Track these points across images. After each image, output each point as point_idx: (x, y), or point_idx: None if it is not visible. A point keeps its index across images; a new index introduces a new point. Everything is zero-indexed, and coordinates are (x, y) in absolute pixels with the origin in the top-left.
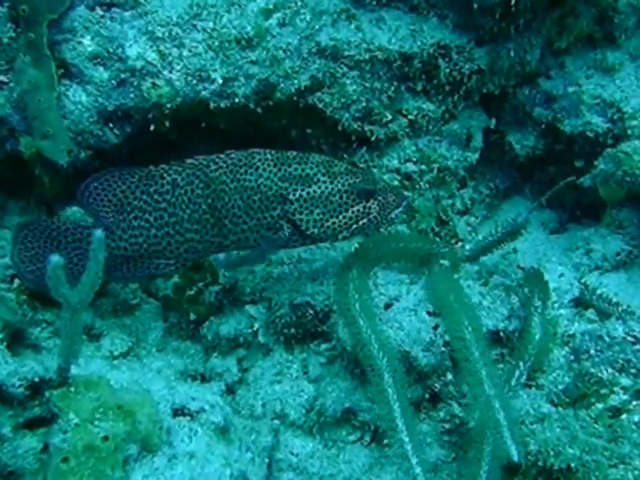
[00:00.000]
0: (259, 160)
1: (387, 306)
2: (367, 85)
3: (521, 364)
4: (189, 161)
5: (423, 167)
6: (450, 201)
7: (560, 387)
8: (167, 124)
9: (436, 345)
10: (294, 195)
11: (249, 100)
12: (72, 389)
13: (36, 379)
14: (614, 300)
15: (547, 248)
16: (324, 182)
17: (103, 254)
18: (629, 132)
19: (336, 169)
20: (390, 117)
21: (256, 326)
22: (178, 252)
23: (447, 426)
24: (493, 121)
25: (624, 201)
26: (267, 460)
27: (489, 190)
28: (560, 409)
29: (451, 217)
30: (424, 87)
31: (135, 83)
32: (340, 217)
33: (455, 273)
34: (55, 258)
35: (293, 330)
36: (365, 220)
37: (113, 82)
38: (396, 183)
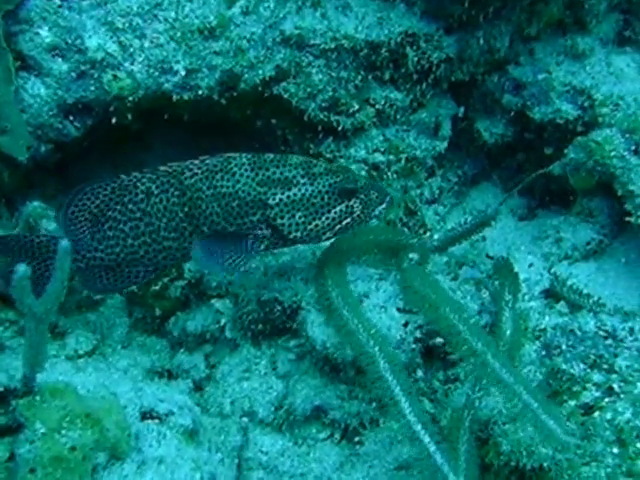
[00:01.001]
0: (235, 165)
1: None
2: (333, 74)
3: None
4: (162, 169)
5: (391, 157)
6: (418, 191)
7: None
8: (129, 117)
9: (407, 343)
10: (274, 200)
11: (213, 91)
12: (38, 398)
13: (0, 389)
14: (585, 291)
15: (516, 236)
16: (304, 184)
17: (68, 264)
18: (600, 120)
19: (316, 170)
20: (357, 107)
21: (223, 321)
22: (156, 260)
23: None
24: (462, 109)
25: (595, 190)
26: (237, 460)
27: (457, 178)
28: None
29: (419, 207)
30: (392, 76)
31: (95, 75)
32: (323, 219)
33: (424, 266)
34: (22, 268)
35: (261, 326)
36: (349, 219)
37: (73, 74)
38: (363, 174)
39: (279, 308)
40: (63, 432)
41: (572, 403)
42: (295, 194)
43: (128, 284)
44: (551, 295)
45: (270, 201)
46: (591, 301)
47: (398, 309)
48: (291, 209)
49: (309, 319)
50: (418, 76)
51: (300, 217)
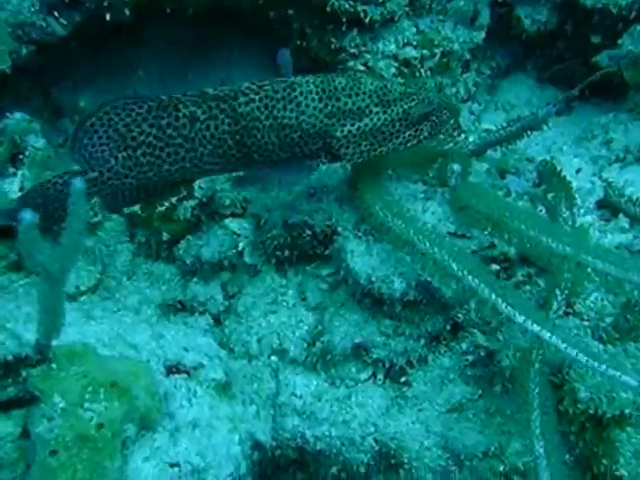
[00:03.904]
0: (301, 93)
1: None
2: None
3: (557, 292)
4: (211, 92)
5: (425, 52)
6: (454, 89)
7: (601, 314)
8: (127, 12)
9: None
10: (342, 132)
11: None
12: (54, 366)
13: (9, 357)
14: None
15: (556, 134)
16: (377, 113)
17: (84, 209)
18: None
19: (390, 95)
20: None
21: (241, 245)
22: (192, 180)
23: (470, 358)
24: None
25: None
26: (272, 411)
27: (491, 70)
28: (610, 347)
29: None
30: None
31: None
32: (389, 145)
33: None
34: (27, 215)
35: (287, 252)
36: (414, 141)
37: None
38: (393, 71)
39: (309, 233)
40: (86, 405)
41: None
42: (366, 124)
43: (152, 199)
44: (606, 206)
45: (337, 133)
46: None
47: (449, 233)
48: (359, 139)
49: (348, 247)
50: None
51: (366, 145)
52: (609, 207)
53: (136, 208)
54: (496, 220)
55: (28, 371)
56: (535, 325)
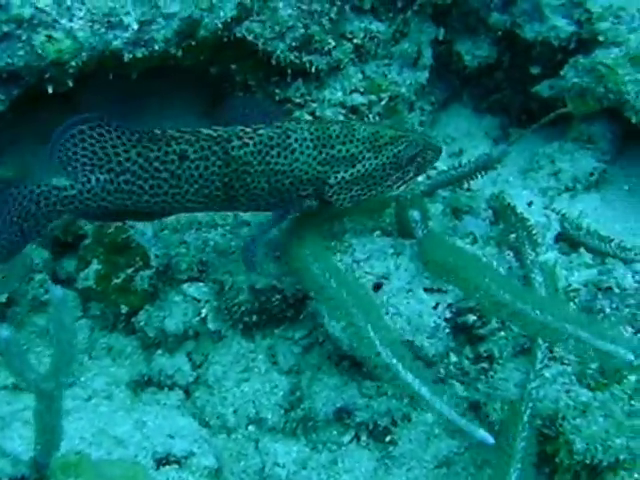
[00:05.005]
0: (296, 140)
1: (377, 286)
2: (304, 7)
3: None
4: (205, 131)
5: (372, 97)
6: None
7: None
8: (70, 83)
9: (441, 329)
10: (335, 179)
11: (170, 44)
12: None
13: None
14: (593, 229)
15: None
16: (369, 159)
17: (71, 318)
18: (601, 38)
19: (381, 140)
20: (334, 43)
21: (204, 312)
22: (170, 213)
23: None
24: (442, 31)
25: (596, 114)
26: None
27: (431, 106)
28: (599, 393)
29: None
30: (372, 4)
31: (24, 37)
32: (379, 188)
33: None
34: (4, 333)
35: (255, 317)
36: (400, 183)
37: None
38: (341, 119)
39: (278, 297)
40: None
41: (632, 378)
42: (359, 170)
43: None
44: (565, 240)
45: (330, 180)
46: (613, 245)
47: (425, 289)
48: (350, 185)
49: (323, 311)
50: (404, 2)
51: (357, 190)
52: (568, 241)
53: (90, 282)
54: (463, 279)
55: None
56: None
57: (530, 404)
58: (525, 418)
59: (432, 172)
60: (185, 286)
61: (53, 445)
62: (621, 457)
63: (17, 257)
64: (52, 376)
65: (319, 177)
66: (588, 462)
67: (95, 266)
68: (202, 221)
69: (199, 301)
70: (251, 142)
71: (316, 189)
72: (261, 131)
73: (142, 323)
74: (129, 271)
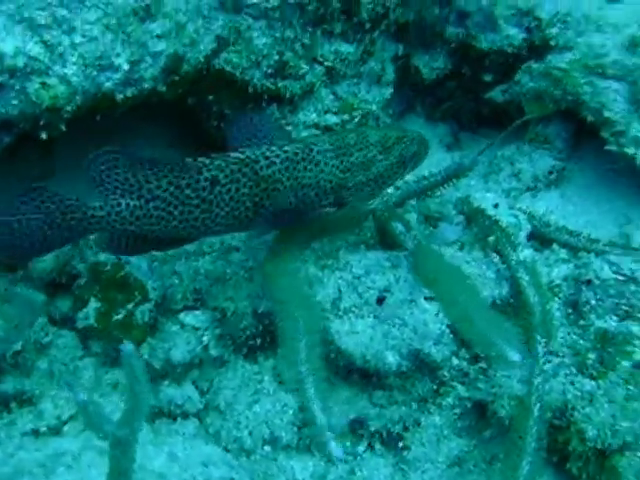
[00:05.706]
0: (318, 153)
1: (380, 300)
2: (278, 35)
3: (537, 337)
4: (234, 155)
5: (345, 116)
6: None
7: (574, 349)
8: (63, 127)
9: (446, 335)
10: (352, 182)
11: (157, 81)
12: None
13: None
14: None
15: None
16: (380, 161)
17: (143, 372)
18: (552, 43)
19: (390, 142)
20: (307, 68)
21: (205, 339)
22: (196, 237)
23: (458, 411)
24: (400, 47)
25: (551, 116)
26: None
27: (390, 118)
28: (601, 382)
29: None
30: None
31: (18, 86)
32: (384, 186)
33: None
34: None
35: (259, 340)
36: (397, 177)
37: None
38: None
39: None
40: None
41: (625, 364)
42: (373, 173)
43: (159, 249)
44: (537, 238)
45: (349, 184)
46: (583, 238)
47: (425, 298)
48: (365, 186)
49: (332, 329)
50: (371, 24)
51: (368, 190)
52: (538, 238)
53: (91, 321)
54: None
55: None
56: None
57: (539, 398)
58: (536, 412)
59: (400, 182)
60: (182, 315)
61: None
62: (628, 439)
63: (25, 304)
64: (126, 423)
65: (341, 184)
66: (600, 447)
67: (94, 304)
68: (189, 250)
69: (198, 329)
70: (278, 160)
71: (337, 196)
72: (286, 147)
73: (146, 356)
74: (129, 306)
